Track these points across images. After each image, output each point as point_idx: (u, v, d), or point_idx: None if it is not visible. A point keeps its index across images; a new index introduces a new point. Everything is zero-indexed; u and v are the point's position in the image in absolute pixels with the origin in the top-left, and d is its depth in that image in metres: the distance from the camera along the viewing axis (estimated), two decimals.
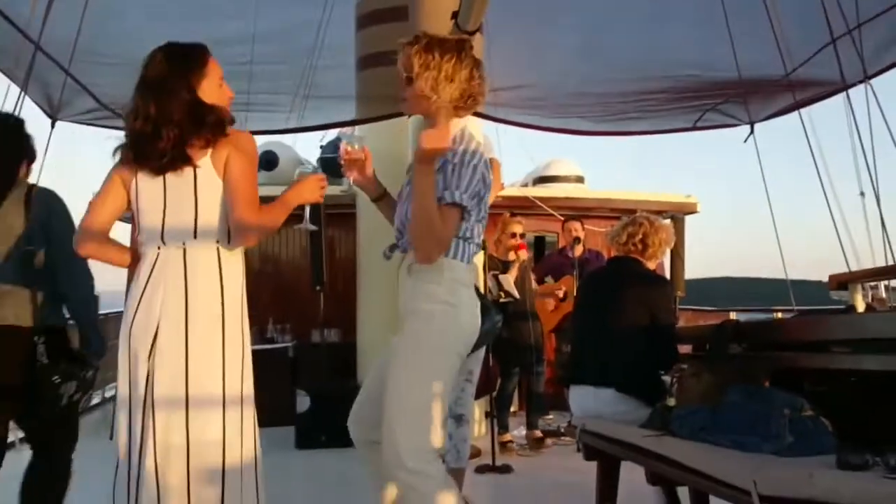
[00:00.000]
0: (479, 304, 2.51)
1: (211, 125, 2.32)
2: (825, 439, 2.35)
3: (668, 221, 3.62)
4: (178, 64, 2.36)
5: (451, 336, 2.41)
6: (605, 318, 3.36)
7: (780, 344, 2.88)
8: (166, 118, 2.29)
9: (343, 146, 2.66)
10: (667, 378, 2.82)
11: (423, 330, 2.39)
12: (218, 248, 2.35)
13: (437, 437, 2.33)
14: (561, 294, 6.12)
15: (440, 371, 2.38)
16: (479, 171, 2.40)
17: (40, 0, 3.93)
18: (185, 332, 2.26)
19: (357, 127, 6.28)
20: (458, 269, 2.44)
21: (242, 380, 2.34)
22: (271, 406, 6.47)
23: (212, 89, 2.40)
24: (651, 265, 3.56)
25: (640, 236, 3.50)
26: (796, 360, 2.71)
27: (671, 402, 2.72)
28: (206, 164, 2.32)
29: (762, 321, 3.61)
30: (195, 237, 2.32)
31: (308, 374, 6.70)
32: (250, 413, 2.36)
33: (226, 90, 2.48)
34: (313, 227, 2.71)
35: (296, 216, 2.60)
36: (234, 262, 2.39)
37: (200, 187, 2.31)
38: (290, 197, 2.48)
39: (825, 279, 3.63)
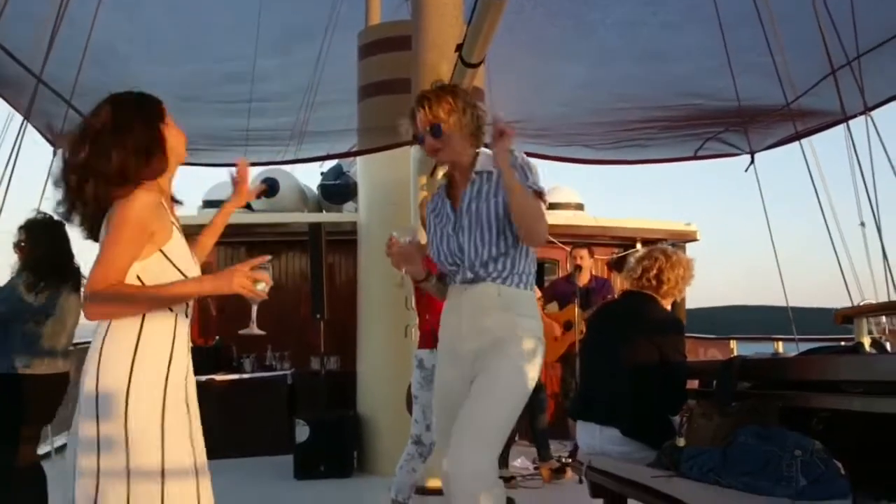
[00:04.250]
0: None
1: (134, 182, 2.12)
2: (839, 483, 2.32)
3: (688, 256, 3.45)
4: (132, 113, 2.19)
5: (536, 375, 2.53)
6: (615, 356, 3.29)
7: (789, 382, 2.86)
8: (95, 171, 2.12)
9: (392, 239, 2.62)
10: (676, 418, 2.79)
11: (525, 361, 2.48)
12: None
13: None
14: (557, 334, 6.13)
15: (522, 404, 2.49)
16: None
17: (44, 34, 3.94)
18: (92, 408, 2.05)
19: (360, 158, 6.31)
20: (536, 300, 2.66)
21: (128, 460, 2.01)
22: (269, 434, 6.53)
23: (172, 135, 2.24)
24: (667, 303, 3.42)
25: (655, 271, 3.36)
26: (807, 399, 2.68)
27: (681, 442, 2.69)
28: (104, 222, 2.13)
29: (769, 359, 3.57)
30: None
31: (307, 403, 6.65)
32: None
33: (181, 135, 2.29)
34: (259, 332, 2.30)
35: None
36: (123, 332, 2.08)
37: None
38: (188, 285, 2.15)
39: (827, 305, 3.61)
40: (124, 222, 2.06)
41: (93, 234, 2.19)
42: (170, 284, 2.11)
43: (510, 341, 2.50)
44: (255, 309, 2.28)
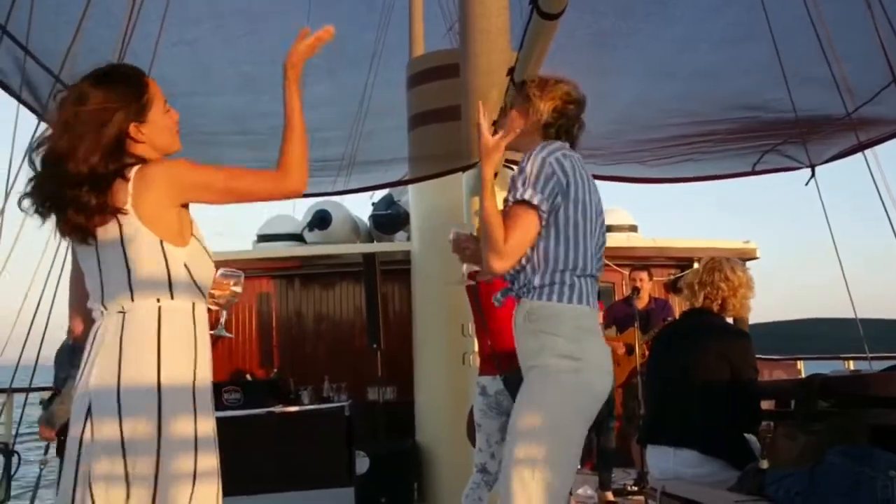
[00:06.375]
0: (609, 354, 2.29)
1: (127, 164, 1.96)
2: None
3: (748, 274, 3.38)
4: (114, 95, 1.98)
5: (576, 398, 2.17)
6: (684, 374, 3.21)
7: (873, 399, 2.72)
8: (83, 161, 1.92)
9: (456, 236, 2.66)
10: (752, 438, 2.68)
11: (545, 391, 2.16)
12: (159, 309, 1.96)
13: None
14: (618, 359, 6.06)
15: (563, 440, 2.16)
16: (552, 166, 2.20)
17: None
18: (117, 408, 1.89)
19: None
20: (582, 315, 2.21)
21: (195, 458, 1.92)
22: (328, 466, 6.50)
23: (158, 117, 2.06)
24: (728, 318, 3.39)
25: (720, 301, 3.31)
26: (894, 417, 2.55)
27: (764, 464, 2.57)
28: (129, 211, 1.93)
29: (851, 375, 3.42)
30: (132, 299, 1.96)
31: (365, 434, 6.62)
32: (208, 494, 1.95)
33: (172, 114, 2.12)
34: (229, 335, 2.53)
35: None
36: (180, 323, 1.98)
37: (126, 241, 1.94)
38: (291, 81, 2.05)
39: None
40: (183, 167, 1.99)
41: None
42: (287, 108, 2.05)
43: (534, 371, 2.21)
44: (224, 314, 2.49)
